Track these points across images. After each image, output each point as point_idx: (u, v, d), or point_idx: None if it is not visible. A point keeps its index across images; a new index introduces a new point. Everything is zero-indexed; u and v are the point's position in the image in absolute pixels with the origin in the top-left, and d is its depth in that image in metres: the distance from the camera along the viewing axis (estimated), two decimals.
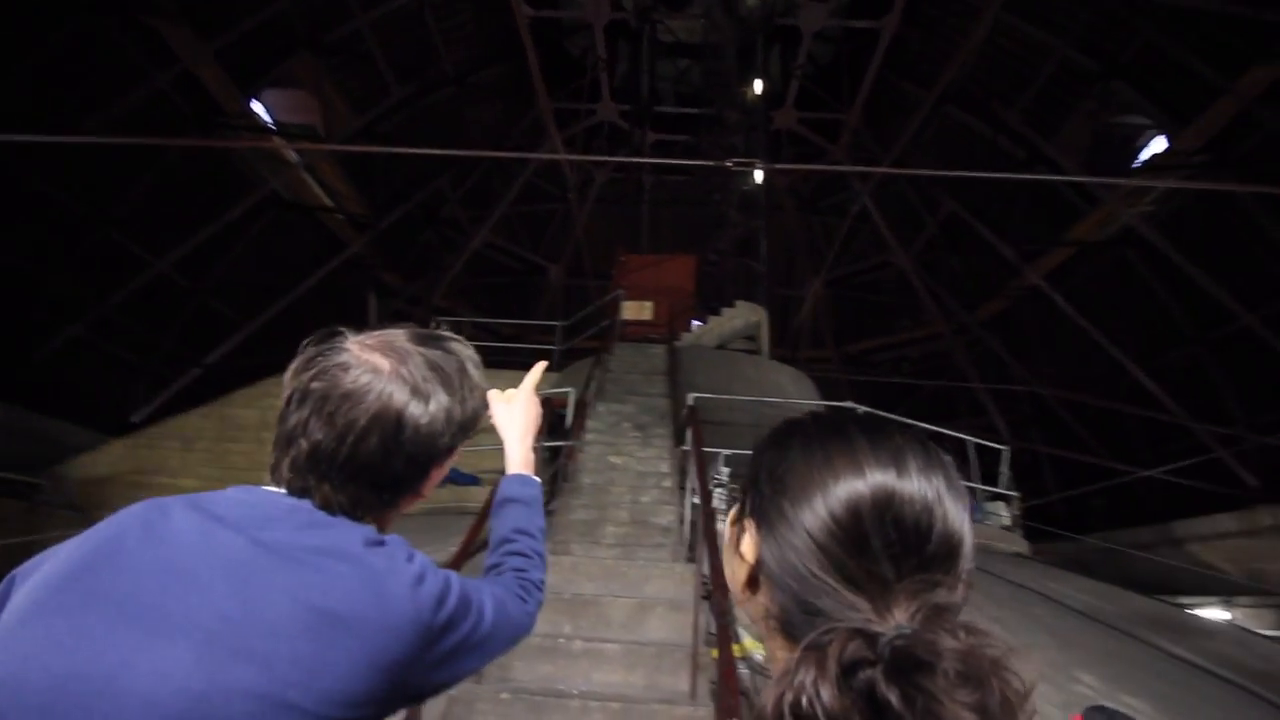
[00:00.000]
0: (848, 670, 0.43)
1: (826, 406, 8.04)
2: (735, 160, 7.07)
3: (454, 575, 0.82)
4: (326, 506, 0.77)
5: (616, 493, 6.16)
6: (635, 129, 14.10)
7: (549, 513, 5.52)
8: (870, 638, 0.44)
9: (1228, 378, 10.49)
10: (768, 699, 0.45)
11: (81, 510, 8.67)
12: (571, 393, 7.08)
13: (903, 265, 14.41)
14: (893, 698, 0.41)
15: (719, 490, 4.95)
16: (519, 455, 1.15)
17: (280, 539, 0.72)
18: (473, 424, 0.87)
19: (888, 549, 0.49)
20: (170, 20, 9.24)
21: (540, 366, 1.27)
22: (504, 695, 3.35)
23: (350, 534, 0.75)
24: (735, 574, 0.58)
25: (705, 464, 4.69)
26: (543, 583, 1.03)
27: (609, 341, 9.39)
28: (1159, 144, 11.20)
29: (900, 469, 0.52)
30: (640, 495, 6.12)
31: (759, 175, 12.41)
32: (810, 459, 0.54)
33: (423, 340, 0.84)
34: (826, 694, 0.42)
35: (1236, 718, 3.77)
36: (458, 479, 6.62)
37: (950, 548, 0.51)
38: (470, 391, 0.85)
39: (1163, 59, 9.99)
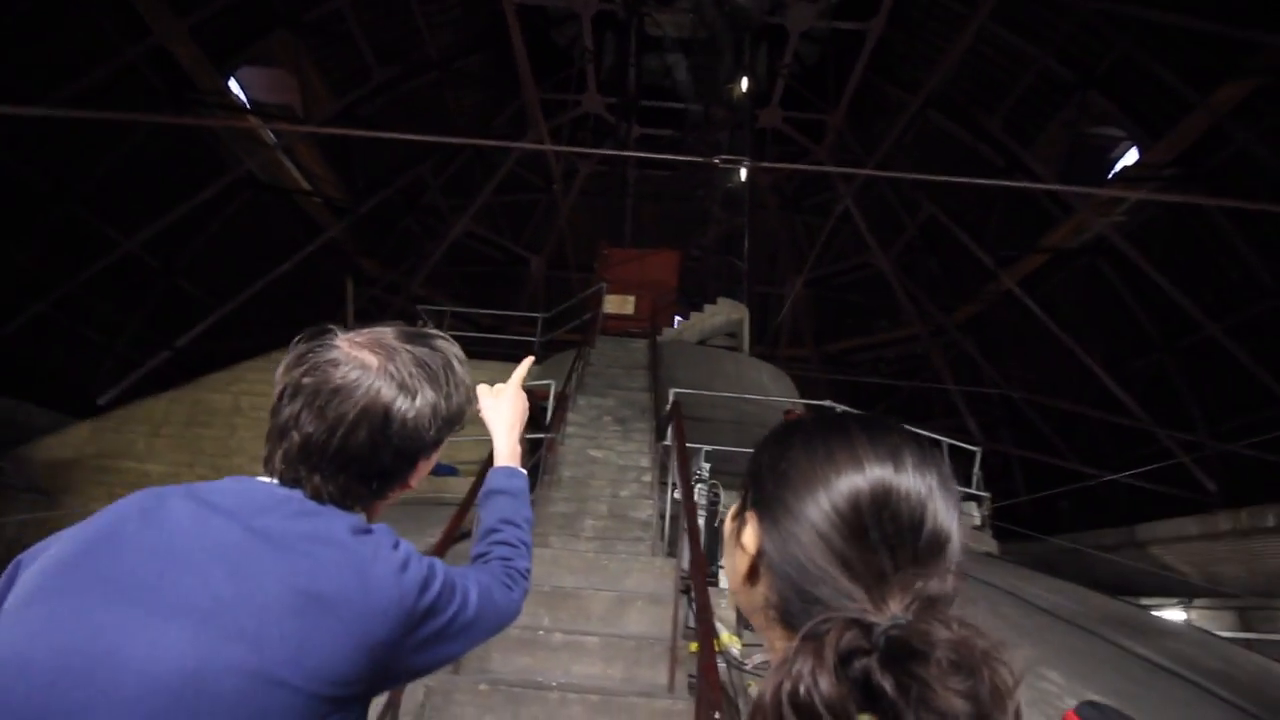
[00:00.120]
0: (844, 659, 0.44)
1: (806, 405, 8.13)
2: (723, 157, 7.09)
3: (439, 562, 0.85)
4: (317, 496, 0.80)
5: (596, 486, 6.15)
6: (621, 122, 14.04)
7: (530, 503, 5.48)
8: (866, 627, 0.45)
9: (1191, 386, 10.82)
10: (767, 687, 0.46)
11: (46, 493, 8.42)
12: (552, 385, 7.05)
13: (882, 267, 14.59)
14: (887, 685, 0.42)
15: (700, 486, 4.97)
16: (506, 448, 1.18)
17: (272, 526, 0.75)
18: (457, 419, 0.90)
19: (885, 541, 0.51)
20: None
21: (528, 362, 1.31)
22: (482, 686, 3.33)
23: (338, 522, 0.78)
24: (736, 566, 0.59)
25: (687, 459, 4.70)
26: (529, 571, 1.06)
27: (590, 335, 9.36)
28: (1132, 156, 11.48)
29: (897, 465, 0.54)
30: (620, 489, 6.12)
31: (743, 173, 12.45)
32: (813, 454, 0.56)
33: (410, 338, 0.88)
34: (824, 683, 0.43)
35: (1196, 716, 3.90)
36: (436, 470, 6.56)
37: (941, 542, 0.53)
38: (455, 387, 0.89)
39: (1138, 72, 10.23)
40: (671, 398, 6.40)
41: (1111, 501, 10.93)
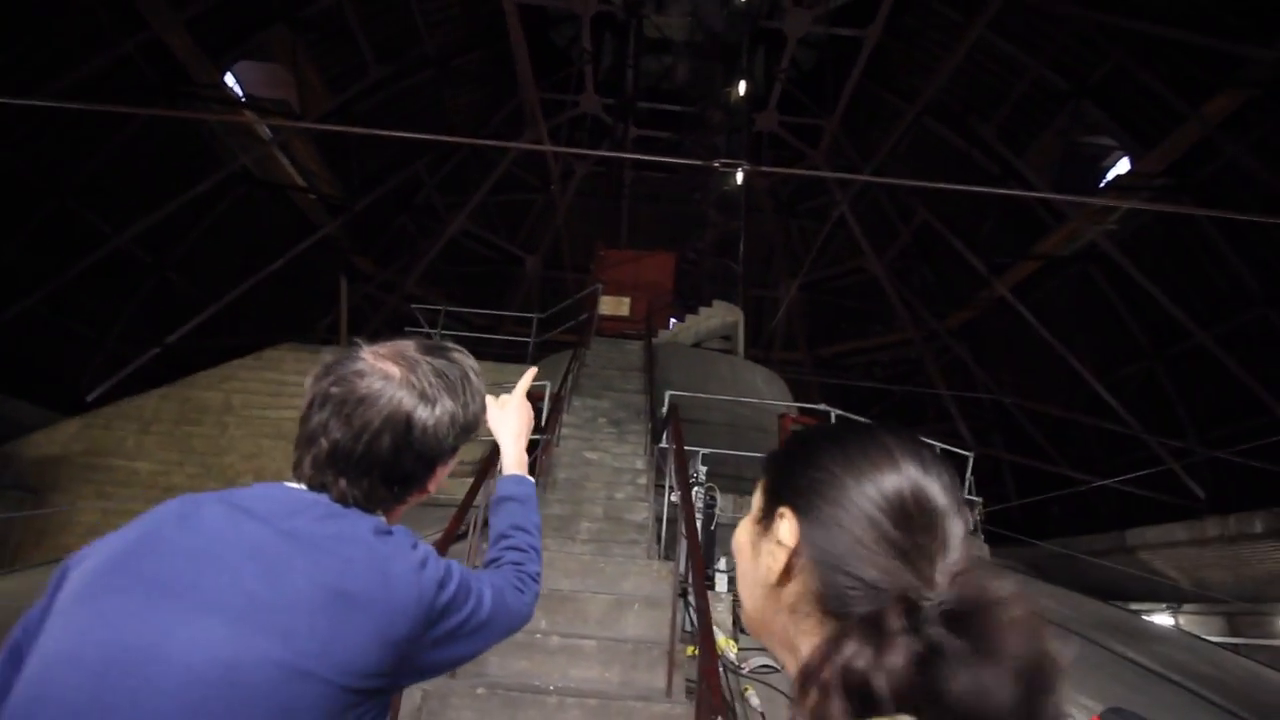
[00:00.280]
0: (904, 632, 0.47)
1: (800, 408, 8.15)
2: (722, 160, 7.09)
3: (455, 564, 0.91)
4: (343, 500, 0.86)
5: (592, 488, 6.14)
6: (618, 123, 14.03)
7: None
8: (917, 604, 0.49)
9: (1181, 393, 10.94)
10: (817, 666, 0.49)
11: (33, 491, 8.31)
12: (547, 387, 7.03)
13: (876, 272, 14.65)
14: (959, 645, 0.45)
15: (697, 489, 4.97)
16: (514, 455, 1.24)
17: (300, 528, 0.80)
18: (474, 426, 0.96)
19: (925, 529, 0.55)
20: None
21: (531, 372, 1.37)
22: (479, 690, 3.32)
23: (362, 524, 0.84)
24: (770, 564, 0.60)
25: (686, 462, 4.70)
26: (539, 575, 1.12)
27: (586, 336, 9.35)
28: (1124, 165, 11.59)
29: (924, 466, 0.58)
30: (615, 491, 6.11)
31: (739, 176, 12.48)
32: (850, 455, 0.59)
33: (429, 350, 0.94)
34: (891, 657, 0.46)
35: None
36: None
37: (959, 536, 0.57)
38: (472, 397, 0.95)
39: (1131, 83, 10.33)
40: (667, 400, 6.40)
41: (1101, 507, 11.03)
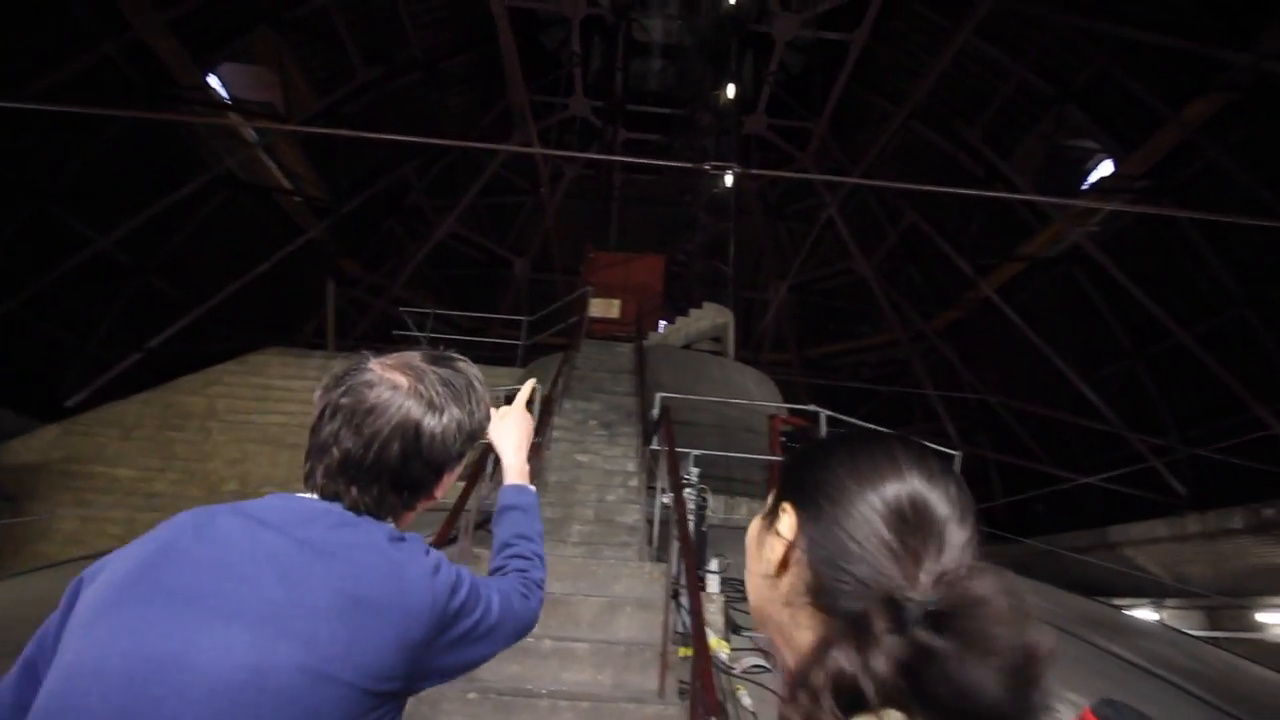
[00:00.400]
0: (890, 633, 0.48)
1: (791, 410, 8.19)
2: (712, 163, 7.12)
3: (465, 569, 0.93)
4: (354, 508, 0.88)
5: (583, 491, 6.13)
6: (607, 126, 14.05)
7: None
8: (904, 604, 0.50)
9: (1162, 391, 11.10)
10: (808, 669, 0.50)
11: (12, 498, 8.18)
12: (538, 389, 7.02)
13: (864, 273, 14.76)
14: (943, 642, 0.47)
15: (688, 491, 4.98)
16: (515, 465, 1.25)
17: (315, 536, 0.82)
18: (479, 434, 1.00)
19: (919, 533, 0.57)
20: None
21: (530, 383, 1.39)
22: (471, 695, 3.30)
23: (375, 531, 0.86)
24: (769, 556, 0.64)
25: (678, 464, 4.71)
26: (543, 581, 1.14)
27: (576, 339, 9.33)
28: (1106, 168, 11.76)
29: (929, 475, 0.60)
30: (606, 494, 6.10)
31: (729, 178, 12.53)
32: (858, 461, 0.62)
33: (435, 360, 0.97)
34: (870, 659, 0.48)
35: (1172, 714, 4.00)
36: None
37: (959, 543, 0.59)
38: (477, 405, 0.98)
39: (1113, 87, 10.49)
40: (658, 402, 6.40)
41: (1085, 504, 11.16)
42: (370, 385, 0.89)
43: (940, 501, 0.59)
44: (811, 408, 7.32)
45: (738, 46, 13.58)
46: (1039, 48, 11.10)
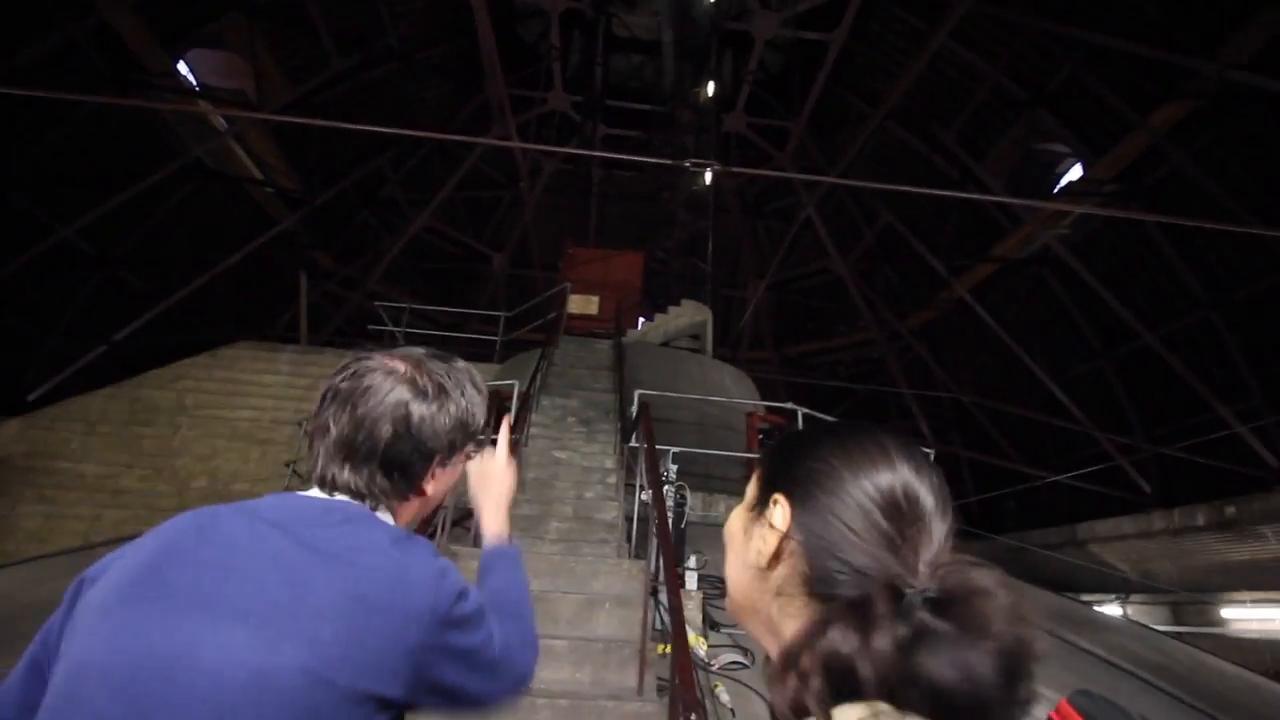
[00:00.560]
0: (890, 616, 0.49)
1: (768, 407, 8.23)
2: (693, 160, 7.11)
3: (474, 588, 0.93)
4: (347, 489, 0.91)
5: (561, 488, 6.11)
6: (587, 121, 13.97)
7: None
8: (903, 591, 0.51)
9: (1129, 391, 11.38)
10: (800, 648, 0.51)
11: None
12: (516, 385, 6.96)
13: (841, 272, 14.90)
14: (945, 626, 0.48)
15: (667, 488, 4.97)
16: (495, 527, 1.18)
17: (319, 536, 0.83)
18: (473, 430, 1.01)
19: (914, 522, 0.58)
20: None
21: (507, 425, 1.33)
22: None
23: (380, 532, 0.87)
24: (762, 547, 0.63)
25: (657, 461, 4.70)
26: (537, 641, 1.08)
27: (554, 335, 9.28)
28: (1076, 171, 12.01)
29: (916, 466, 0.61)
30: (585, 491, 6.09)
31: (708, 176, 12.55)
32: (849, 450, 0.62)
33: (435, 356, 1.02)
34: (871, 640, 0.48)
35: (1139, 707, 4.10)
36: None
37: (945, 533, 0.60)
38: (470, 400, 1.00)
39: (1084, 93, 10.70)
40: (637, 399, 6.39)
41: (1054, 502, 11.41)
42: (369, 370, 0.94)
43: (927, 492, 0.60)
44: (789, 405, 7.36)
45: (718, 44, 13.60)
46: (1012, 52, 11.29)
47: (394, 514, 0.95)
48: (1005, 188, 12.08)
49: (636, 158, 5.76)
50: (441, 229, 15.12)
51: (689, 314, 10.75)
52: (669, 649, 3.39)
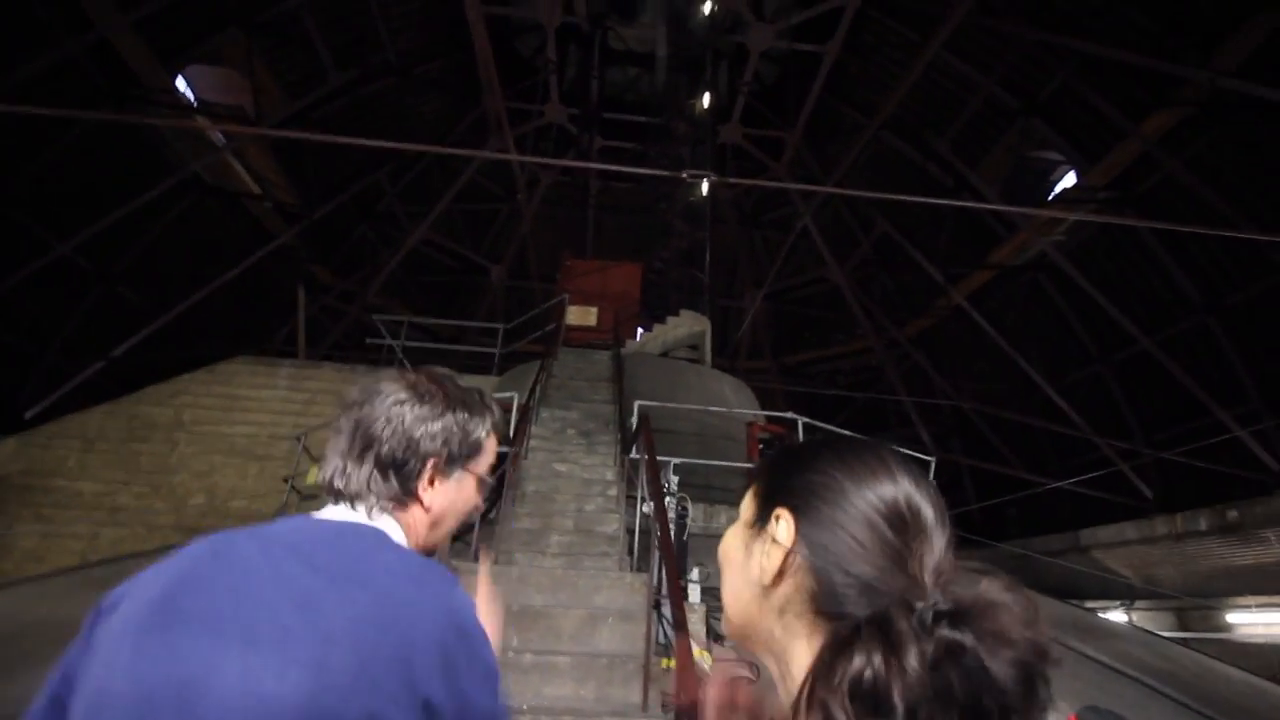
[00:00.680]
0: (914, 633, 0.49)
1: (768, 417, 8.22)
2: (689, 171, 7.14)
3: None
4: (349, 489, 0.94)
5: (561, 501, 6.07)
6: (583, 133, 14.04)
7: (490, 521, 5.38)
8: (916, 605, 0.50)
9: (1128, 397, 11.39)
10: (824, 675, 0.50)
11: None
12: (515, 398, 6.95)
13: (838, 281, 14.93)
14: (969, 637, 0.47)
15: (669, 499, 4.95)
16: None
17: (332, 561, 0.83)
18: (473, 446, 1.03)
19: (917, 535, 0.58)
20: None
21: (485, 563, 1.28)
22: None
23: (393, 554, 0.88)
24: (765, 564, 0.61)
25: (658, 473, 4.68)
26: None
27: (553, 347, 9.27)
28: (1070, 179, 12.08)
29: (915, 477, 0.61)
30: (585, 503, 6.05)
31: (705, 187, 12.61)
32: (848, 462, 0.62)
33: (452, 379, 1.06)
34: (902, 659, 0.47)
35: (1147, 715, 4.06)
36: None
37: (940, 547, 0.59)
38: (473, 414, 1.03)
39: (1076, 101, 10.79)
40: (636, 410, 6.38)
41: (1056, 508, 11.37)
42: (379, 380, 1.01)
43: (927, 504, 0.60)
44: (789, 415, 7.35)
45: (713, 56, 13.70)
46: (1005, 62, 11.38)
47: (402, 527, 0.96)
48: (1000, 195, 12.13)
49: (633, 169, 5.76)
50: (440, 242, 15.15)
51: (687, 324, 10.75)
52: (673, 663, 3.36)
